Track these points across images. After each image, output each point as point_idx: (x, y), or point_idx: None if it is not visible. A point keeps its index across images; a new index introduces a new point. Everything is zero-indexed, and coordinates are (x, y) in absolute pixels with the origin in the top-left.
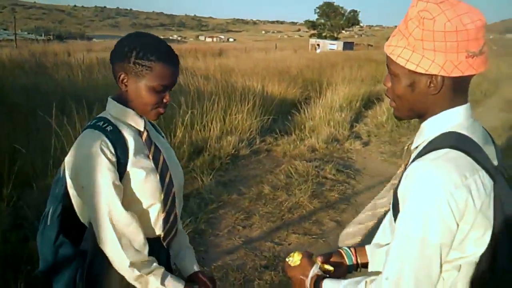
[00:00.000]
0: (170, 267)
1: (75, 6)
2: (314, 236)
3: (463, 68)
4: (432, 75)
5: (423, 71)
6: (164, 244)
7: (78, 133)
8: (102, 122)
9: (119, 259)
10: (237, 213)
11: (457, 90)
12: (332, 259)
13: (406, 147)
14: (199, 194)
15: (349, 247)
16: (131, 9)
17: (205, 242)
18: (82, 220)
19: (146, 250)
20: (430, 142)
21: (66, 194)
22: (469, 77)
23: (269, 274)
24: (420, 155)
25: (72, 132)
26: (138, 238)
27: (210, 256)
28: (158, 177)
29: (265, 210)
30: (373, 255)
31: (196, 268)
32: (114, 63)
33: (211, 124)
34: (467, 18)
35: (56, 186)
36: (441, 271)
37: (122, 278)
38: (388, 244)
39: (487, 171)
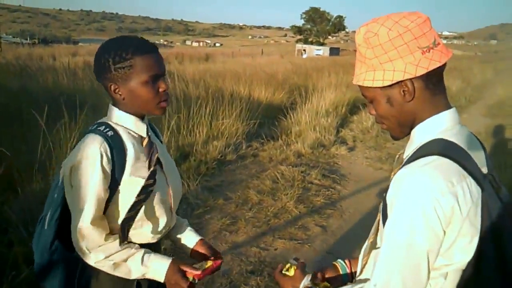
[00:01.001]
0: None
1: (60, 9)
2: (299, 241)
3: (425, 64)
4: (401, 82)
5: (390, 83)
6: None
7: (64, 137)
8: (103, 127)
9: (89, 260)
10: (223, 218)
11: (432, 89)
12: (327, 275)
13: (397, 156)
14: (185, 199)
15: (343, 259)
16: (117, 13)
17: None
18: None
19: (116, 243)
20: (419, 149)
21: (64, 198)
22: (439, 72)
23: (255, 279)
24: (409, 161)
25: (61, 136)
26: (105, 241)
27: None
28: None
29: (251, 215)
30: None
31: (195, 240)
32: (100, 79)
33: (197, 129)
34: (405, 21)
35: (54, 191)
36: (428, 278)
37: (113, 283)
38: (377, 248)
39: (475, 179)
